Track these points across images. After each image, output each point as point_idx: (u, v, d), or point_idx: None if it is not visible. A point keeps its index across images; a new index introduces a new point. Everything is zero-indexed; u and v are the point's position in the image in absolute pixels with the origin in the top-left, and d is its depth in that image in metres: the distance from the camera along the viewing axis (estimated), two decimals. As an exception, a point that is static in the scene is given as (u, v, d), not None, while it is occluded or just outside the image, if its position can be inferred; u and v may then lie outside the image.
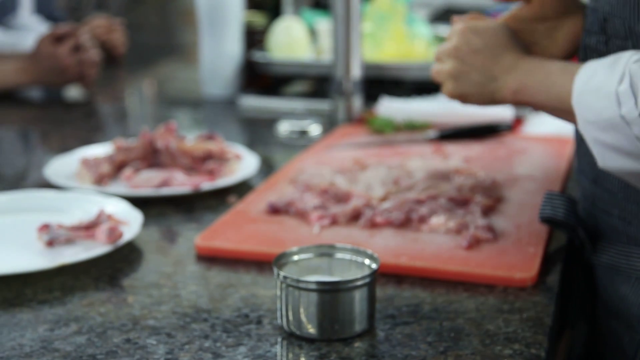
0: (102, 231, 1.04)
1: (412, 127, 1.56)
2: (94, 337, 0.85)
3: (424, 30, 1.93)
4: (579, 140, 1.06)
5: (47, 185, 1.30)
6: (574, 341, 1.12)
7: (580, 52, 1.03)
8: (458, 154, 1.41)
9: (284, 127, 1.62)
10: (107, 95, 2.10)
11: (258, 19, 1.98)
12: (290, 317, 0.85)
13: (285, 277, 0.84)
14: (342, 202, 1.16)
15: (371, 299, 0.85)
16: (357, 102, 1.68)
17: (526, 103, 1.01)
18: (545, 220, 1.03)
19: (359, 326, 0.85)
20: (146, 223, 1.13)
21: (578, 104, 0.91)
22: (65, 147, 1.51)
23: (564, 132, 1.54)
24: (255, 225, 1.11)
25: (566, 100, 0.93)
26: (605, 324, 1.04)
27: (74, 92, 2.02)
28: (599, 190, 1.02)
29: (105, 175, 1.28)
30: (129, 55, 2.40)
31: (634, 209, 0.97)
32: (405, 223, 1.10)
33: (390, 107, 1.64)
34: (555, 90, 0.95)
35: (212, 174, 1.30)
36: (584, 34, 1.01)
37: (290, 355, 0.83)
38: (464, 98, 1.05)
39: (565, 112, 0.94)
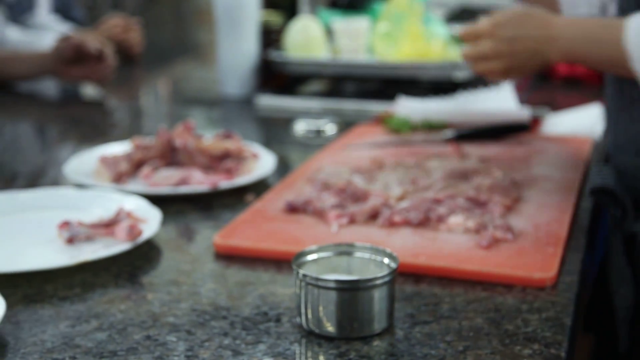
0: (121, 229, 1.05)
1: (429, 127, 1.56)
2: (114, 334, 0.85)
3: (440, 30, 1.93)
4: (615, 119, 1.10)
5: (65, 183, 1.31)
6: (620, 305, 1.14)
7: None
8: (476, 154, 1.41)
9: (301, 127, 1.63)
10: (124, 94, 2.11)
11: (274, 18, 1.98)
12: (310, 316, 0.85)
13: (304, 276, 0.84)
14: (360, 201, 1.16)
15: (390, 298, 0.86)
16: None
17: (577, 62, 1.16)
18: (596, 190, 1.08)
19: (378, 325, 0.85)
20: (164, 221, 1.14)
21: (635, 44, 1.00)
22: (82, 145, 1.52)
23: (581, 131, 1.54)
24: (273, 224, 1.11)
25: (618, 48, 1.03)
26: None
27: (90, 91, 2.03)
28: None
29: (124, 173, 1.29)
30: (145, 54, 2.41)
31: None
32: (424, 222, 1.10)
33: (407, 107, 1.64)
34: (605, 45, 1.07)
35: (229, 172, 1.30)
36: (618, 11, 1.10)
37: (310, 353, 0.83)
38: (518, 73, 1.22)
39: (617, 62, 1.05)
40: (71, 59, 1.91)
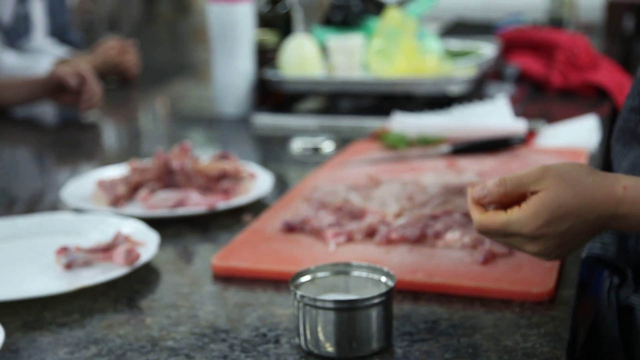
0: (119, 253, 1.05)
1: (425, 142, 1.57)
2: (113, 360, 0.86)
3: (434, 45, 1.93)
4: None
5: (63, 207, 1.31)
6: None
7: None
8: (472, 168, 1.41)
9: (297, 144, 1.63)
10: (121, 116, 2.12)
11: (269, 37, 1.99)
12: (308, 336, 0.85)
13: (302, 297, 0.84)
14: (357, 219, 1.16)
15: (388, 317, 0.86)
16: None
17: None
18: (592, 258, 0.98)
19: (376, 344, 0.85)
20: (162, 243, 1.14)
21: None
22: (80, 169, 1.52)
23: (577, 143, 1.54)
24: (271, 244, 1.12)
25: None
26: None
27: (88, 114, 2.04)
28: None
29: (121, 196, 1.29)
30: (141, 75, 2.42)
31: None
32: (421, 239, 1.10)
33: (403, 123, 1.64)
34: None
35: (227, 193, 1.31)
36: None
37: (309, 374, 0.83)
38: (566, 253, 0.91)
39: None
40: (56, 90, 1.94)
